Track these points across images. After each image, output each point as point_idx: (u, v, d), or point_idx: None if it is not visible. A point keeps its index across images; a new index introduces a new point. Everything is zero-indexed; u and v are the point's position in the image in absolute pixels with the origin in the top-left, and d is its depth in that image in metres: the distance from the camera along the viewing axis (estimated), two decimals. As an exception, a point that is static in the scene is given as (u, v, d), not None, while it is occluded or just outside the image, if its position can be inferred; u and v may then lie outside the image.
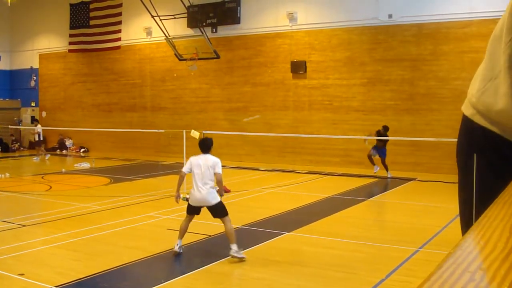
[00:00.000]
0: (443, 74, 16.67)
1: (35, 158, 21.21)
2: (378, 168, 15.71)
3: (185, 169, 7.48)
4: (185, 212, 7.44)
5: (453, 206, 11.06)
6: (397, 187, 14.11)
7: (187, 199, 7.34)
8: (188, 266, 6.94)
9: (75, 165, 19.11)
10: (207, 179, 7.23)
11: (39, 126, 21.39)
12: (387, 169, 15.61)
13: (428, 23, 16.82)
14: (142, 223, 9.40)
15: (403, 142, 16.53)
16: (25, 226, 9.13)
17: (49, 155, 21.61)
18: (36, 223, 9.52)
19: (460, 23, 16.24)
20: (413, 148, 16.92)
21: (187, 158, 13.38)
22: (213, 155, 7.45)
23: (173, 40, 20.25)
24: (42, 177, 15.97)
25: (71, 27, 25.11)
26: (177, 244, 7.28)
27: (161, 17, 19.80)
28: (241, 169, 17.77)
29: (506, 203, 0.90)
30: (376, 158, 15.72)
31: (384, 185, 14.75)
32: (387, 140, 15.52)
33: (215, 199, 7.21)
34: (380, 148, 15.54)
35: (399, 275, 6.40)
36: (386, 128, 15.74)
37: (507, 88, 1.37)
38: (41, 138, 21.55)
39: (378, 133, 15.37)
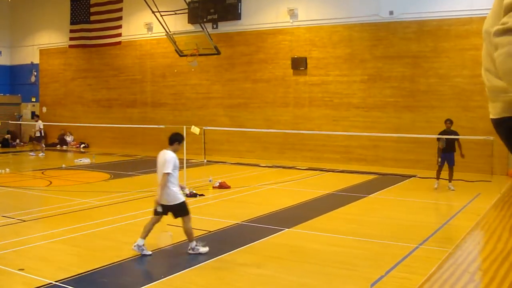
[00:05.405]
0: (444, 71, 16.65)
1: (32, 153, 21.11)
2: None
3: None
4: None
5: (453, 203, 11.01)
6: (397, 184, 14.11)
7: (186, 195, 7.33)
8: (188, 261, 6.95)
9: (75, 160, 19.12)
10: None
11: (40, 122, 21.29)
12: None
13: (429, 20, 16.78)
14: (142, 218, 9.38)
15: (403, 139, 16.52)
16: (25, 221, 9.14)
17: (44, 154, 21.08)
18: (36, 218, 9.53)
19: (461, 20, 16.21)
20: (413, 145, 16.91)
21: (187, 154, 13.43)
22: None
23: (174, 36, 20.21)
24: (43, 173, 15.98)
25: (72, 23, 25.09)
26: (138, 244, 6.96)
27: (162, 13, 19.77)
28: (241, 165, 17.77)
29: (506, 203, 0.91)
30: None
31: (384, 182, 14.73)
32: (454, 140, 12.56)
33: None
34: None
35: (398, 271, 6.41)
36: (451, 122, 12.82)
37: None
38: (42, 134, 21.44)
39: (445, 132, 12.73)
